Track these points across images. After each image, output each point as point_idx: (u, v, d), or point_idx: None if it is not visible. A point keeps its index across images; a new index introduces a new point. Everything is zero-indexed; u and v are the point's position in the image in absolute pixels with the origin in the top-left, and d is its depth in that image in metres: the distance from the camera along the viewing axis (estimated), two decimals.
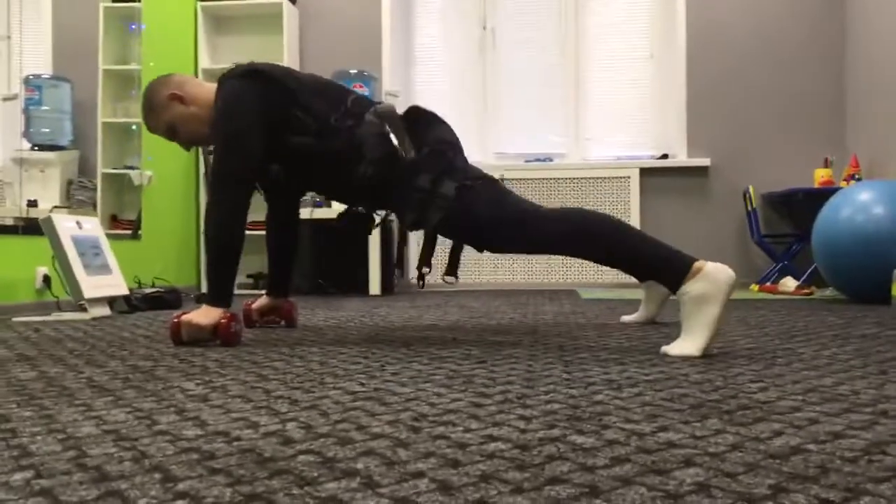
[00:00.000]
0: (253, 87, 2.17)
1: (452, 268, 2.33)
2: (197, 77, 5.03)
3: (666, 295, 2.58)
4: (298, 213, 2.62)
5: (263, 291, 5.02)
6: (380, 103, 2.25)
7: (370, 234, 2.44)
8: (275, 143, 2.20)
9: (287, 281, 2.63)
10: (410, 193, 2.09)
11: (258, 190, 2.44)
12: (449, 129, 2.22)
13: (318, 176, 2.30)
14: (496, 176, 2.18)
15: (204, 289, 5.04)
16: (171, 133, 2.32)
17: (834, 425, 1.06)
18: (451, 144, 2.16)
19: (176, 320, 2.08)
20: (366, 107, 2.21)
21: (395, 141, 2.13)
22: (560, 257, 5.07)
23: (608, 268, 2.15)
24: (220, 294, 2.10)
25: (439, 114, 2.27)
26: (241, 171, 2.13)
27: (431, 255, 2.31)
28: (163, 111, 2.29)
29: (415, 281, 5.20)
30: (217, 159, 2.13)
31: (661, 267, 1.87)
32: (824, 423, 1.07)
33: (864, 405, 1.20)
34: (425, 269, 2.31)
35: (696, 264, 1.83)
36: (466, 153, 2.23)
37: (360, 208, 2.40)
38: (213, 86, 2.32)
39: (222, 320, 2.06)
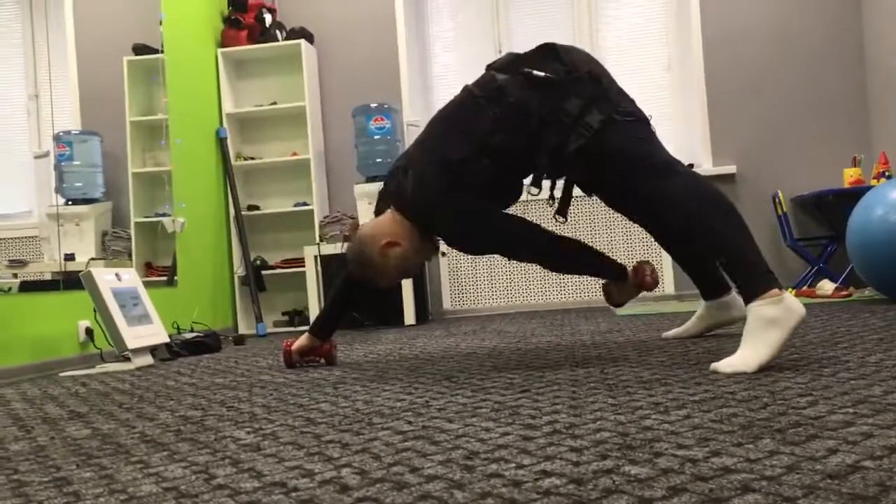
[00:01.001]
0: (436, 177, 2.15)
1: (564, 206, 2.30)
2: (221, 122, 5.12)
3: (721, 323, 2.58)
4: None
5: (299, 328, 5.06)
6: (493, 64, 2.23)
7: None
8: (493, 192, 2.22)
9: (336, 327, 2.63)
10: (558, 116, 2.05)
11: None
12: (597, 61, 2.19)
13: (521, 165, 2.21)
14: (647, 115, 2.15)
15: (241, 330, 5.09)
16: (405, 272, 2.33)
17: (889, 438, 1.05)
18: (605, 73, 2.14)
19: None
20: (490, 80, 2.17)
21: (539, 74, 2.08)
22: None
23: (697, 248, 2.15)
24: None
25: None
26: (483, 215, 2.17)
27: (568, 203, 2.28)
28: (388, 266, 2.25)
29: (449, 307, 5.21)
30: (456, 240, 2.21)
31: (751, 272, 1.85)
32: (878, 437, 1.06)
33: None
34: (560, 219, 2.30)
35: (778, 290, 1.81)
36: None
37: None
38: (390, 216, 2.28)
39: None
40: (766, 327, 1.77)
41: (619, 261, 2.41)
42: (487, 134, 2.12)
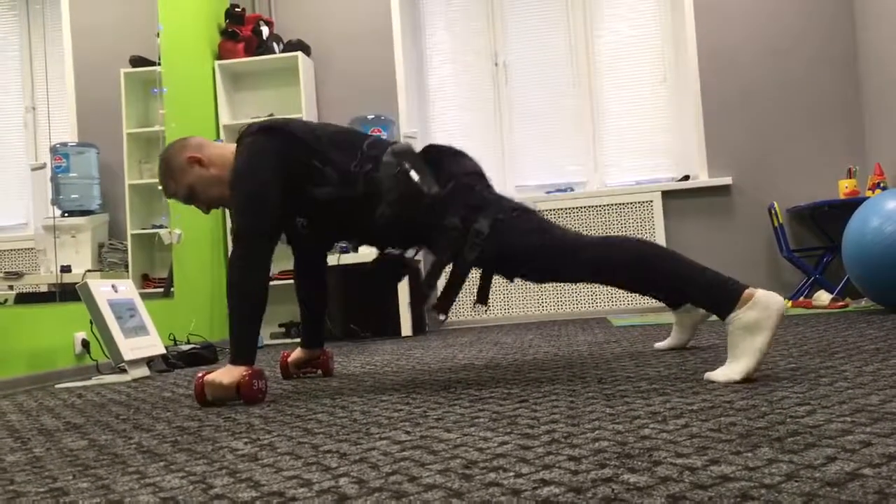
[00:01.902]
0: (270, 143, 2.19)
1: (484, 295, 2.28)
2: (218, 135, 5.13)
3: (698, 321, 2.56)
4: (326, 263, 2.63)
5: (296, 340, 5.05)
6: (396, 142, 2.25)
7: (401, 278, 2.41)
8: (297, 197, 2.22)
9: (320, 332, 2.64)
10: (443, 232, 2.07)
11: (283, 243, 2.46)
12: (472, 160, 2.21)
13: (344, 224, 2.29)
14: (531, 205, 2.14)
15: None
16: (191, 197, 2.31)
17: (887, 447, 1.05)
18: (477, 176, 2.15)
19: (200, 381, 2.06)
20: (382, 148, 2.21)
21: (415, 177, 2.11)
22: (587, 284, 5.06)
23: (650, 296, 2.09)
24: (241, 351, 2.07)
25: (459, 147, 2.26)
26: (261, 227, 2.13)
27: (454, 296, 2.22)
28: (182, 175, 2.28)
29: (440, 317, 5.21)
30: (237, 217, 2.13)
31: (712, 294, 1.83)
32: (877, 446, 1.06)
33: None
34: (442, 316, 2.26)
35: (747, 291, 1.79)
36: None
37: (392, 250, 2.37)
38: (232, 147, 2.33)
39: (244, 377, 2.03)
40: (747, 334, 1.76)
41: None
42: (331, 163, 2.19)
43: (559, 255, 1.99)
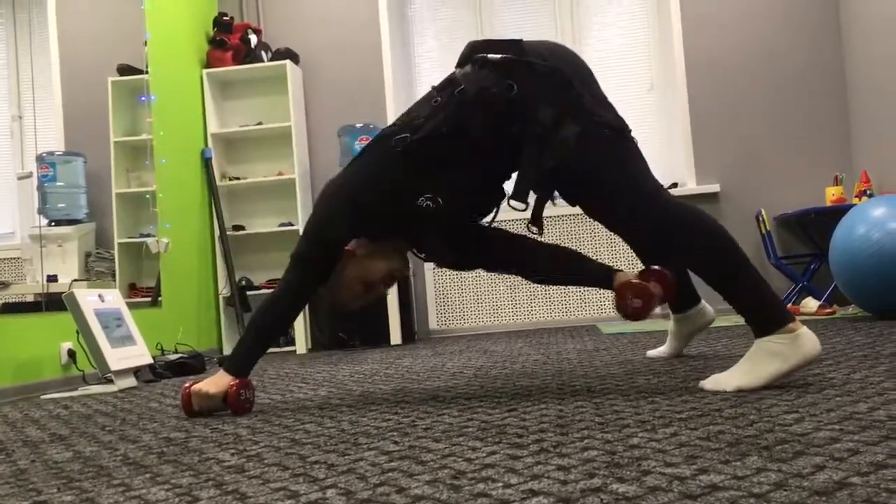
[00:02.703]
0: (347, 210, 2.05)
1: (536, 217, 2.05)
2: (206, 143, 5.11)
3: (695, 331, 2.55)
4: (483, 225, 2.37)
5: (287, 349, 5.03)
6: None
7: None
8: (415, 175, 2.02)
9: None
10: (531, 124, 1.85)
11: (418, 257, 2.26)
12: (579, 60, 1.99)
13: (462, 162, 2.02)
14: (628, 127, 1.94)
15: (226, 351, 5.05)
16: (370, 288, 2.16)
17: (875, 455, 1.05)
18: (580, 77, 1.92)
19: (187, 391, 2.04)
20: (446, 84, 2.01)
21: (496, 57, 1.90)
22: (577, 290, 5.07)
23: (697, 273, 1.90)
24: (240, 364, 2.04)
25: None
26: (312, 260, 2.05)
27: (541, 211, 2.03)
28: (345, 280, 2.14)
29: (436, 327, 5.20)
30: (299, 242, 2.09)
31: (761, 306, 1.76)
32: (865, 454, 1.06)
33: None
34: (535, 229, 2.04)
35: (792, 324, 1.73)
36: None
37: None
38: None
39: (231, 388, 2.01)
40: (767, 357, 1.72)
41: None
42: (410, 124, 2.01)
43: (635, 195, 1.84)
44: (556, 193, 2.07)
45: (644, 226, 1.86)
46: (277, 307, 2.06)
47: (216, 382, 2.03)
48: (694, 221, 1.83)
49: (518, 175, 1.92)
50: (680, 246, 1.84)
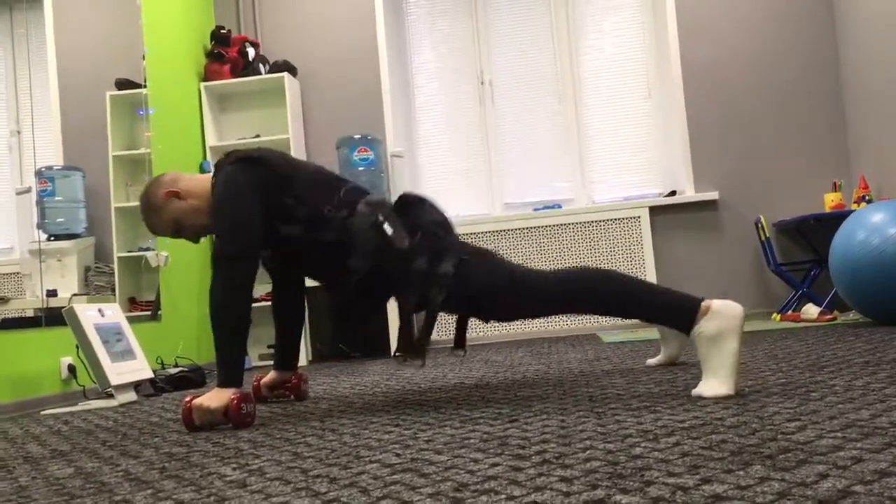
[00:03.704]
0: (250, 172, 2.20)
1: (461, 341, 2.36)
2: (205, 156, 5.13)
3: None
4: (304, 286, 2.62)
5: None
6: (370, 193, 2.29)
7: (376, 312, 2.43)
8: (266, 230, 2.22)
9: (294, 354, 2.62)
10: (409, 277, 2.12)
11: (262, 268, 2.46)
12: (438, 209, 2.27)
13: (309, 264, 2.31)
14: (491, 249, 2.20)
15: None
16: (177, 230, 2.34)
17: (878, 462, 1.05)
18: (442, 225, 2.21)
19: (187, 406, 2.05)
20: (358, 197, 2.25)
21: (389, 231, 2.15)
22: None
23: (620, 319, 2.23)
24: (229, 375, 2.07)
25: (425, 196, 2.31)
26: (242, 251, 2.13)
27: (427, 342, 2.25)
28: (163, 211, 2.31)
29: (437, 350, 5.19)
30: (218, 242, 2.14)
31: (671, 312, 1.91)
32: (868, 462, 1.06)
33: None
34: (419, 362, 2.31)
35: (704, 304, 1.87)
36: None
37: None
38: (207, 177, 2.36)
39: (232, 401, 2.02)
40: (715, 345, 1.82)
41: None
42: (304, 203, 2.20)
43: (524, 290, 2.06)
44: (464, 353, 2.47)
45: (544, 305, 2.06)
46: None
47: (217, 397, 2.04)
48: (580, 277, 2.04)
49: (400, 315, 2.23)
50: (581, 305, 2.03)
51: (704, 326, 1.83)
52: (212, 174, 2.32)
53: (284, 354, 2.61)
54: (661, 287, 1.97)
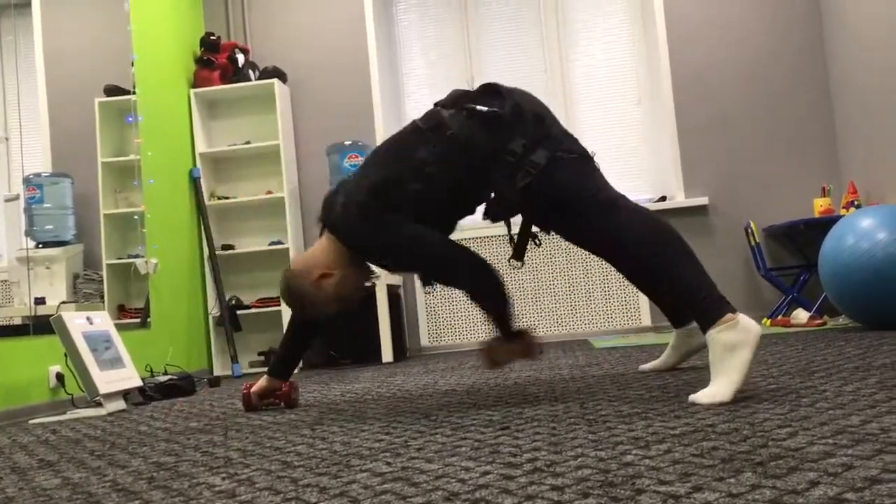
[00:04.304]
0: (379, 220, 2.14)
1: (520, 251, 2.29)
2: (194, 163, 5.11)
3: (694, 349, 2.58)
4: None
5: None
6: (441, 100, 2.23)
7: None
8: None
9: (294, 365, 2.59)
10: (502, 155, 2.06)
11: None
12: (541, 102, 2.19)
13: (465, 198, 2.22)
14: (591, 154, 2.15)
15: (217, 371, 5.01)
16: (344, 303, 2.27)
17: (869, 469, 1.05)
18: (547, 112, 2.15)
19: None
20: (434, 116, 2.17)
21: (483, 108, 2.09)
22: (568, 305, 5.07)
23: (645, 284, 2.43)
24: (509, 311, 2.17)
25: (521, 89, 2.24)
26: (437, 240, 2.14)
27: (525, 245, 2.27)
28: (325, 299, 2.24)
29: (428, 343, 5.19)
30: (424, 273, 2.20)
31: (708, 298, 1.89)
32: (859, 468, 1.06)
33: None
34: (517, 263, 2.29)
35: (732, 314, 1.85)
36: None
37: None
38: (323, 244, 2.26)
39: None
40: (729, 352, 1.81)
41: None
42: (423, 163, 2.12)
43: (601, 208, 2.01)
44: (538, 241, 2.33)
45: (607, 230, 2.02)
46: None
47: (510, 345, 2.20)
48: (652, 221, 2.01)
49: (494, 196, 2.16)
50: (639, 244, 1.99)
51: (724, 332, 1.82)
52: (325, 233, 2.27)
53: (285, 363, 2.56)
54: (711, 279, 1.95)
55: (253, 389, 2.59)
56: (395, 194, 2.13)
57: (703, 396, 1.80)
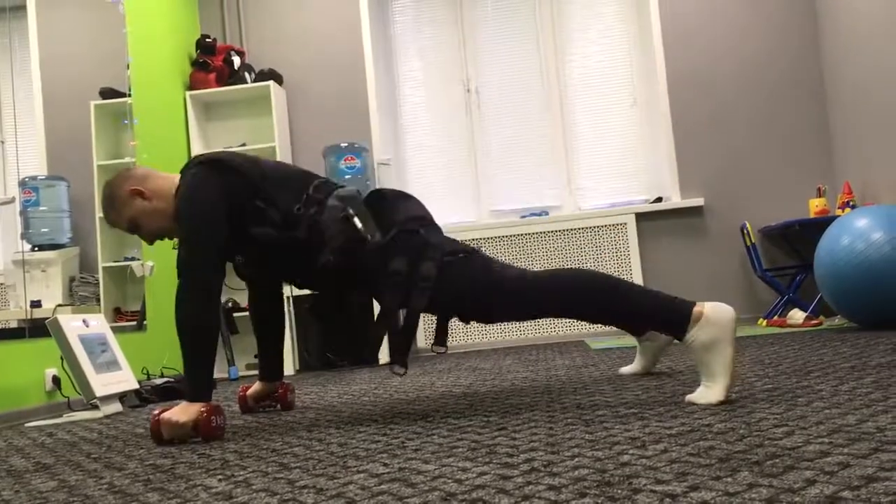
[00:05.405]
0: (214, 176, 2.15)
1: (441, 338, 2.27)
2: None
3: (662, 347, 2.55)
4: (282, 294, 2.59)
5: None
6: (342, 187, 2.23)
7: (349, 315, 2.33)
8: (237, 233, 2.17)
9: (278, 364, 2.59)
10: (389, 278, 2.05)
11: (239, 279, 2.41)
12: (418, 203, 2.20)
13: (283, 265, 2.24)
14: (475, 247, 2.13)
15: (214, 374, 5.00)
16: (134, 228, 2.28)
17: (865, 468, 1.05)
18: (421, 220, 2.13)
19: (156, 419, 2.02)
20: (329, 191, 2.19)
21: (358, 224, 2.08)
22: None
23: (605, 326, 2.18)
24: (198, 389, 2.02)
25: (402, 191, 2.25)
26: (207, 259, 2.09)
27: (408, 347, 2.17)
28: (124, 207, 2.24)
29: (430, 347, 5.18)
30: (182, 249, 2.09)
31: (663, 317, 1.87)
32: (855, 467, 1.06)
33: (892, 442, 1.19)
34: (401, 370, 2.21)
35: (696, 309, 1.83)
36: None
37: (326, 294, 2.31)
38: (175, 177, 2.29)
39: (202, 415, 1.99)
40: (711, 353, 1.79)
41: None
42: (273, 204, 2.14)
43: (511, 293, 2.00)
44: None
45: (531, 308, 2.01)
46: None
47: (185, 411, 2.00)
48: (569, 279, 1.98)
49: (378, 318, 2.13)
50: (571, 308, 1.97)
51: (698, 335, 1.80)
52: (178, 176, 2.27)
53: (269, 364, 2.58)
54: (652, 290, 1.92)
55: (248, 392, 2.59)
56: (241, 187, 2.14)
57: (697, 397, 1.80)
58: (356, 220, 2.09)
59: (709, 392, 1.79)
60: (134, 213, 2.25)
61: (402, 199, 2.20)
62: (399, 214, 2.13)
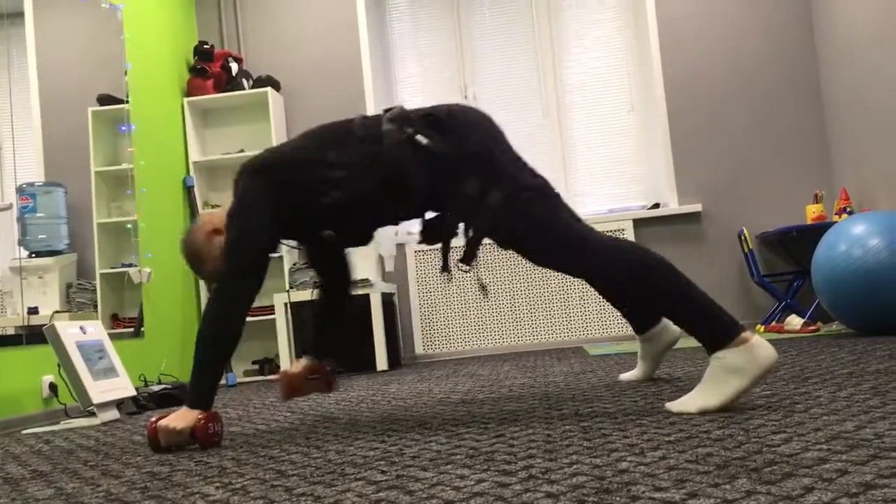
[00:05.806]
0: (262, 183, 2.11)
1: (469, 255, 2.11)
2: (188, 172, 5.10)
3: (662, 351, 2.53)
4: (349, 286, 2.53)
5: (269, 377, 4.98)
6: (389, 110, 2.13)
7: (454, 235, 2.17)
8: (314, 212, 2.12)
9: (333, 348, 2.54)
10: (459, 199, 1.99)
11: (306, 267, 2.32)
12: (493, 123, 2.09)
13: (372, 212, 2.15)
14: (550, 186, 2.04)
15: None
16: None
17: (863, 475, 1.05)
18: (496, 142, 2.04)
19: (153, 425, 2.00)
20: (377, 122, 2.10)
21: (423, 141, 2.00)
22: (563, 313, 5.07)
23: (644, 305, 2.14)
24: (201, 397, 2.00)
25: (469, 105, 2.13)
26: (247, 267, 2.06)
27: (472, 257, 2.10)
28: (209, 251, 2.21)
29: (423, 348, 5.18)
30: (225, 255, 2.07)
31: (708, 323, 1.78)
32: (853, 474, 1.06)
33: (890, 449, 1.19)
34: (464, 267, 2.19)
35: (744, 335, 1.74)
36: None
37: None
38: (227, 204, 2.23)
39: (200, 422, 1.97)
40: (725, 375, 1.74)
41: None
42: (336, 164, 2.07)
43: (564, 247, 1.92)
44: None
45: (579, 271, 1.95)
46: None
47: (183, 417, 1.99)
48: (628, 256, 1.88)
49: (430, 223, 2.11)
50: (620, 282, 1.89)
51: (729, 356, 1.73)
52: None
53: (326, 345, 2.52)
54: (708, 295, 1.82)
55: (293, 371, 2.48)
56: (293, 173, 2.10)
57: (676, 404, 1.80)
58: (419, 136, 2.02)
59: (689, 401, 1.77)
60: (220, 254, 2.18)
61: (474, 114, 2.09)
62: (475, 131, 2.04)
